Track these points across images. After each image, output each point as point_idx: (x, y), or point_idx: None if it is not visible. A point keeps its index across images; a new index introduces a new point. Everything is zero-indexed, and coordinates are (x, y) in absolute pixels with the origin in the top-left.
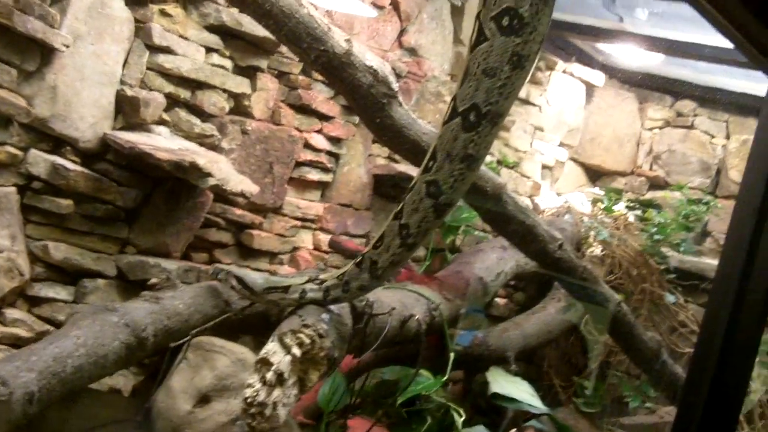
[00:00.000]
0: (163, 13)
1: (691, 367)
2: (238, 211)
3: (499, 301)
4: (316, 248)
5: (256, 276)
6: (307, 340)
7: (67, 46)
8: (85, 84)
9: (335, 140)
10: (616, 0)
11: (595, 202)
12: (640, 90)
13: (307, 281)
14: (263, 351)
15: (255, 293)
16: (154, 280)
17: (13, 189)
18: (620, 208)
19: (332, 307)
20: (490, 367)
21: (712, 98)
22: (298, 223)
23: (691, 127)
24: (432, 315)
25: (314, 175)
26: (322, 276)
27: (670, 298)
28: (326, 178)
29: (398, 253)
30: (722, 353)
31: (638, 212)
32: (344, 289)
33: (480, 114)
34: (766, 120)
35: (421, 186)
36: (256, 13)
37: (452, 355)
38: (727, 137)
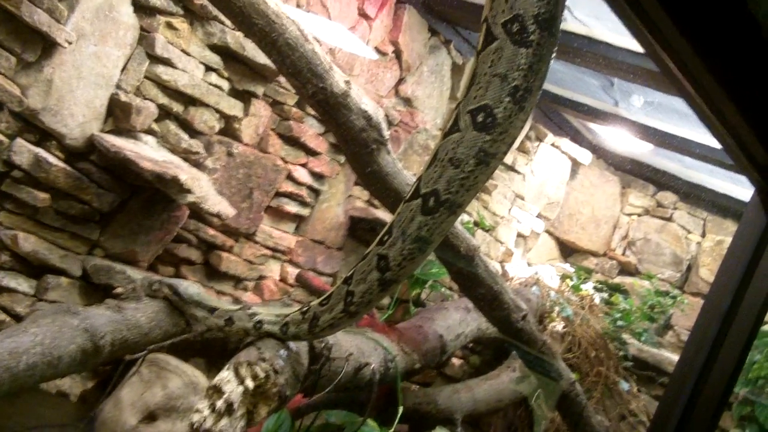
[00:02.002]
0: (169, 26)
1: None
2: (211, 231)
3: (455, 361)
4: (283, 280)
5: (191, 288)
6: (262, 374)
7: (70, 43)
8: (81, 83)
9: (318, 176)
10: (614, 84)
11: (564, 278)
12: (624, 174)
13: (238, 309)
14: (217, 378)
15: (184, 301)
16: (120, 289)
17: None
18: (588, 287)
19: (291, 344)
20: (437, 426)
21: (693, 194)
22: (269, 252)
23: (669, 219)
24: (387, 366)
25: (292, 207)
26: (258, 309)
27: (624, 386)
28: (304, 212)
29: (339, 318)
30: None
31: (605, 295)
32: (282, 330)
33: (439, 201)
34: (744, 228)
35: (373, 258)
36: (262, 42)
37: (401, 408)
38: (703, 235)
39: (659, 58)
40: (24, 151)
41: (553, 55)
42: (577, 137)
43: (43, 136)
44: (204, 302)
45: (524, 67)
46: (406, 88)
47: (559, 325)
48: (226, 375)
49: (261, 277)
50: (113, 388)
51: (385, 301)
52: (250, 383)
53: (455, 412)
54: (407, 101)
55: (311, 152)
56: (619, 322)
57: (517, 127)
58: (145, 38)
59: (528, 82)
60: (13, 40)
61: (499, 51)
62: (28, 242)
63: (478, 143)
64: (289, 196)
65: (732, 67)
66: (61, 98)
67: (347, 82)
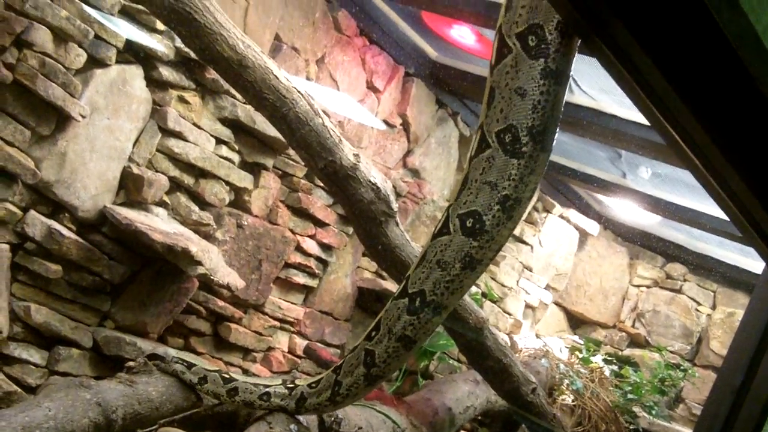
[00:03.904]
0: (181, 100)
1: None
2: (221, 303)
3: None
4: (291, 351)
5: (171, 351)
6: None
7: (84, 117)
8: (94, 155)
9: (326, 247)
10: (622, 156)
11: (573, 350)
12: (632, 246)
13: (217, 371)
14: None
15: (164, 360)
16: (131, 363)
17: (6, 246)
18: (597, 360)
19: (301, 418)
20: None
21: (703, 266)
22: (277, 323)
23: (679, 291)
24: None
25: (300, 279)
26: (236, 376)
27: None
28: (312, 283)
29: (325, 405)
30: None
31: (615, 367)
32: (261, 397)
33: (424, 301)
34: (756, 302)
35: (361, 352)
36: (272, 116)
37: None
38: (713, 307)
39: (664, 130)
40: (37, 223)
41: (545, 167)
42: (585, 208)
43: (56, 208)
44: (184, 359)
45: (515, 177)
46: (413, 159)
47: (568, 398)
48: None
49: (269, 349)
50: None
51: (394, 373)
52: None
53: None
54: (415, 172)
55: (319, 223)
56: (630, 395)
57: (505, 236)
58: (157, 112)
59: (518, 193)
60: (28, 114)
61: (491, 159)
62: (40, 314)
63: (465, 248)
64: (298, 267)
65: (737, 139)
66: (75, 171)
67: (356, 155)
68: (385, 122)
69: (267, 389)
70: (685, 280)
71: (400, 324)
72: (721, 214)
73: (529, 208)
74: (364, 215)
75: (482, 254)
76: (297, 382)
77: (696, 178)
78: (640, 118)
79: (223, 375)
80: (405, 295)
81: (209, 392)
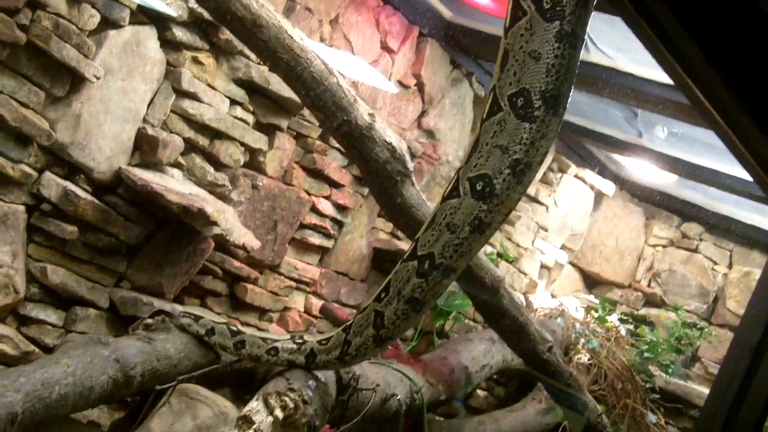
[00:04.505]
0: (195, 61)
1: None
2: (236, 264)
3: (479, 393)
4: (307, 311)
5: (179, 307)
6: (291, 404)
7: (98, 78)
8: (109, 117)
9: (342, 208)
10: (638, 115)
11: (588, 309)
12: (648, 206)
13: (225, 324)
14: (246, 408)
15: (171, 315)
16: (149, 321)
17: (21, 207)
18: (613, 319)
19: (319, 374)
20: None
21: (719, 225)
22: (293, 283)
23: (695, 250)
24: (413, 397)
25: (316, 240)
26: (243, 329)
27: (651, 418)
28: (327, 243)
29: (333, 363)
30: None
31: (630, 327)
32: (269, 352)
33: (433, 264)
34: None
35: (371, 313)
36: (287, 76)
37: None
38: (730, 266)
39: (688, 89)
40: (52, 185)
41: (557, 132)
42: (601, 168)
43: (71, 169)
44: (191, 312)
45: (526, 142)
46: (428, 120)
47: (584, 357)
48: (255, 405)
49: (285, 309)
50: (143, 418)
51: (409, 332)
52: (279, 413)
53: None
54: (429, 133)
55: (335, 185)
56: (646, 354)
57: (515, 200)
58: (171, 73)
59: (529, 157)
60: (42, 76)
61: (503, 123)
62: (57, 274)
63: (475, 211)
64: (313, 228)
65: (764, 99)
66: (89, 132)
67: (371, 115)
68: (400, 83)
69: (275, 344)
70: (701, 240)
71: (409, 286)
72: (738, 174)
73: (544, 168)
74: (380, 175)
75: (491, 218)
76: (306, 337)
77: (720, 137)
78: (657, 77)
79: (231, 328)
80: (414, 258)
81: (216, 344)
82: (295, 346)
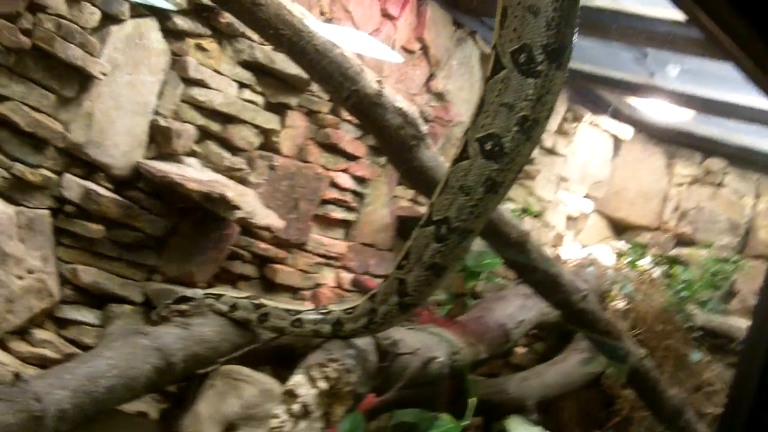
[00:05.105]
0: (199, 47)
1: (722, 426)
2: (263, 245)
3: (519, 350)
4: (338, 286)
5: (200, 291)
6: (334, 374)
7: (105, 75)
8: (120, 112)
9: (360, 180)
10: (648, 55)
11: (619, 255)
12: (668, 146)
13: (247, 298)
14: (290, 382)
15: (194, 299)
16: (184, 306)
17: (46, 212)
18: (645, 263)
19: (358, 342)
20: (510, 415)
21: (742, 157)
22: (321, 260)
23: (720, 185)
24: (453, 359)
25: (338, 214)
26: (266, 301)
27: (694, 356)
28: (350, 217)
29: (360, 330)
30: (752, 415)
31: (664, 268)
32: (293, 324)
33: (450, 228)
34: None
35: (394, 281)
36: (291, 51)
37: (473, 399)
38: (757, 197)
39: (702, 23)
40: (73, 186)
41: (562, 86)
42: (616, 113)
43: (90, 168)
44: (212, 292)
45: (532, 97)
46: (436, 83)
47: (620, 304)
48: (298, 379)
49: (317, 286)
50: (190, 403)
51: (443, 296)
52: (323, 384)
53: (527, 399)
54: (439, 96)
55: (351, 157)
56: (682, 294)
57: (525, 156)
58: (177, 62)
59: (536, 113)
60: (50, 78)
61: (507, 80)
62: (88, 274)
63: (486, 171)
64: (335, 202)
65: None
66: (103, 130)
67: (379, 82)
68: (404, 49)
69: (299, 315)
70: (725, 174)
71: (428, 252)
72: (756, 104)
73: (558, 119)
74: (394, 141)
75: (503, 176)
76: (330, 307)
77: (739, 69)
78: (664, 14)
79: (253, 301)
80: (431, 223)
81: (241, 318)
82: (319, 316)
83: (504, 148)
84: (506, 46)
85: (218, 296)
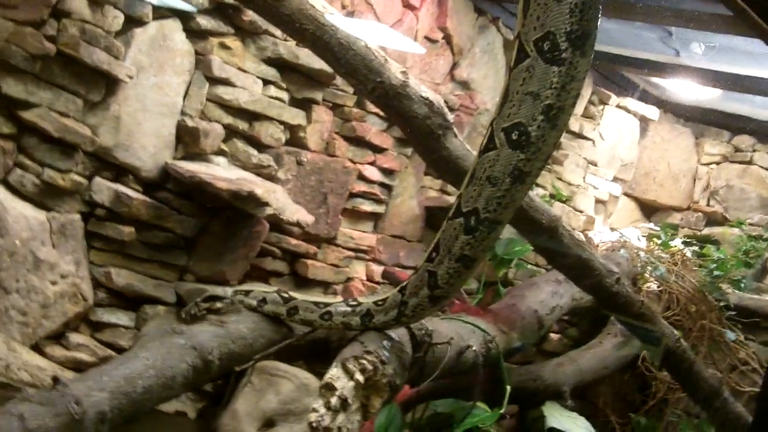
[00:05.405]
0: (223, 46)
1: (760, 405)
2: (293, 241)
3: (553, 336)
4: (369, 279)
5: (228, 289)
6: (370, 367)
7: (131, 78)
8: (147, 114)
9: (388, 172)
10: (672, 34)
11: (650, 237)
12: (695, 124)
13: (276, 291)
14: (327, 376)
15: (223, 298)
16: (219, 305)
17: (77, 216)
18: (677, 243)
19: (393, 334)
20: (546, 401)
21: None
22: (352, 253)
23: (749, 162)
24: (488, 347)
25: (367, 207)
26: (295, 294)
27: (730, 336)
28: (379, 209)
29: (389, 323)
30: None
31: (695, 248)
32: (322, 316)
33: (479, 219)
34: None
35: (424, 274)
36: (315, 45)
37: (509, 388)
38: None
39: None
40: (103, 189)
41: (586, 73)
42: (642, 94)
43: (119, 171)
44: (241, 288)
45: (557, 85)
46: (461, 71)
47: (653, 285)
48: (335, 372)
49: (348, 279)
50: (228, 401)
51: (474, 285)
52: (360, 377)
53: (562, 385)
54: (464, 84)
55: (377, 149)
56: (715, 273)
57: (551, 145)
58: (201, 62)
59: (561, 101)
60: (76, 83)
61: (531, 69)
62: (121, 276)
63: (513, 161)
64: (363, 195)
65: None
66: (131, 132)
67: (404, 73)
68: (427, 38)
69: (328, 307)
70: (754, 151)
71: (458, 244)
72: None
73: (584, 102)
74: (421, 131)
75: (530, 166)
76: (359, 299)
77: (766, 44)
78: None
79: (282, 294)
80: (460, 215)
81: (270, 312)
82: (349, 309)
83: (530, 137)
84: (530, 34)
85: (247, 292)
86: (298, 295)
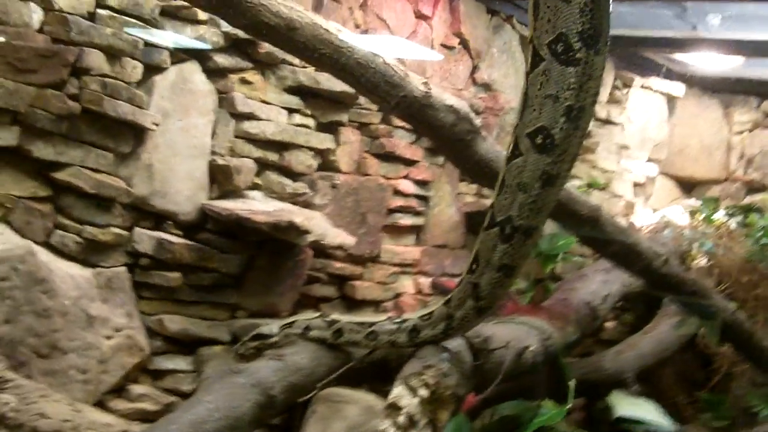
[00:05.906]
0: (243, 81)
1: None
2: (338, 264)
3: (608, 324)
4: (418, 292)
5: (274, 325)
6: (432, 381)
7: (157, 125)
8: (178, 159)
9: (422, 183)
10: (687, 9)
11: (693, 213)
12: (723, 95)
13: (317, 317)
14: (391, 396)
15: (271, 336)
16: (274, 339)
17: (123, 268)
18: (720, 216)
19: (450, 345)
20: (611, 391)
21: None
22: (397, 269)
23: None
24: (546, 345)
25: (407, 220)
26: (339, 317)
27: None
28: (419, 221)
29: (437, 336)
30: None
31: (739, 218)
32: (368, 336)
33: (514, 227)
34: None
35: (467, 286)
36: (333, 68)
37: (572, 383)
38: None
39: None
40: (145, 239)
41: (603, 70)
42: (665, 73)
43: (158, 218)
44: (287, 321)
45: (575, 86)
46: (481, 74)
47: (702, 261)
48: (398, 391)
49: (397, 295)
50: None
51: (523, 284)
52: (423, 392)
53: (625, 372)
54: (486, 86)
55: (409, 163)
56: (762, 241)
57: (576, 145)
58: (224, 99)
59: (580, 101)
60: (105, 137)
61: (547, 72)
62: (174, 322)
63: (541, 166)
64: (401, 210)
65: None
66: (164, 179)
67: (425, 83)
68: (443, 46)
69: (372, 327)
70: None
71: (497, 254)
72: None
73: (609, 88)
74: (451, 139)
75: (558, 168)
76: (404, 316)
77: None
78: None
79: (326, 319)
80: (494, 225)
81: (316, 339)
82: (394, 326)
83: (554, 140)
84: (542, 38)
85: (291, 324)
86: (342, 317)
